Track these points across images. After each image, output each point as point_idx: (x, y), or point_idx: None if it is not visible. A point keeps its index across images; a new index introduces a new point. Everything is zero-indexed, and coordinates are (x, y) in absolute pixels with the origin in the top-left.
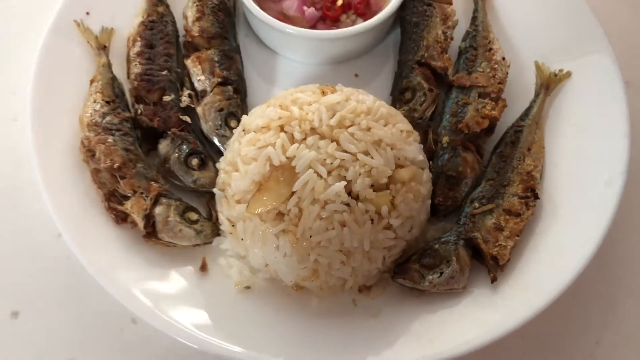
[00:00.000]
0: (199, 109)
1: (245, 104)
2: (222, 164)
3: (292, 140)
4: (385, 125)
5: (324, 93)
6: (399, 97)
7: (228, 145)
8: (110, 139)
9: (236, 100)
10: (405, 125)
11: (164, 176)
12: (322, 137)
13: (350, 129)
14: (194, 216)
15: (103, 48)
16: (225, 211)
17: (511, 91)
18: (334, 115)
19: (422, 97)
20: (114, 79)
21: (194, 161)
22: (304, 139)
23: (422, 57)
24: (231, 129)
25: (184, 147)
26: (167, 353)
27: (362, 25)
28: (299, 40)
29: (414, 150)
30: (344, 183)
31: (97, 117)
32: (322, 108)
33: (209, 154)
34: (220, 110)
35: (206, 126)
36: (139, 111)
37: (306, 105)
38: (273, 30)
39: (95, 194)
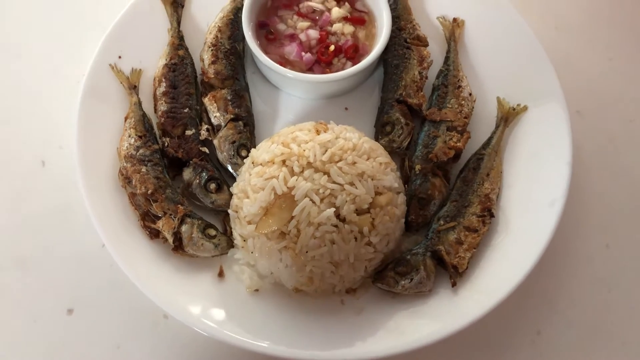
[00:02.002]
0: (215, 141)
1: (254, 136)
2: (235, 189)
3: (292, 173)
4: (367, 159)
5: (318, 132)
6: (380, 129)
7: (240, 172)
8: (143, 169)
9: (246, 134)
10: (384, 158)
11: (187, 198)
12: (316, 170)
13: (339, 164)
14: (212, 232)
15: (134, 87)
16: (238, 229)
17: (475, 122)
18: (326, 151)
19: (400, 130)
20: (144, 115)
21: (212, 186)
22: (302, 171)
23: (400, 95)
24: (242, 158)
25: (204, 174)
26: (192, 342)
27: (350, 70)
28: (298, 82)
29: (390, 179)
30: (333, 209)
31: (132, 150)
32: (316, 146)
33: (224, 179)
34: (233, 142)
35: (221, 156)
36: (166, 144)
37: (303, 143)
38: (276, 73)
39: (132, 213)
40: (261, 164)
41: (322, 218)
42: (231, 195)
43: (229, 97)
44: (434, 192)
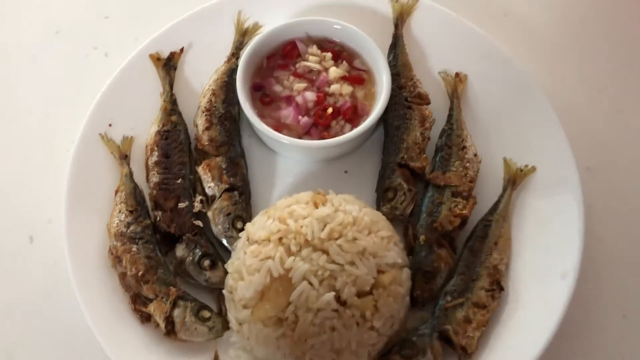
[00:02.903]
0: (209, 214)
1: (250, 205)
2: (230, 267)
3: (289, 252)
4: (368, 234)
5: (316, 205)
6: (382, 196)
7: (235, 247)
8: (134, 248)
9: (242, 204)
10: (387, 231)
11: (181, 276)
12: (315, 249)
13: (338, 241)
14: (206, 314)
15: (125, 157)
16: (233, 312)
17: (481, 183)
18: (324, 227)
19: (403, 196)
20: (135, 187)
21: (206, 262)
22: (299, 250)
23: (402, 158)
24: (238, 230)
25: (197, 250)
26: None
27: (349, 135)
28: (294, 148)
29: (393, 255)
30: (333, 293)
31: (122, 227)
32: (314, 222)
33: (219, 255)
34: (228, 214)
35: (216, 229)
36: (158, 218)
37: (301, 219)
38: (271, 139)
39: (122, 295)
40: (257, 242)
41: (322, 303)
42: (226, 272)
43: (223, 166)
44: (439, 264)
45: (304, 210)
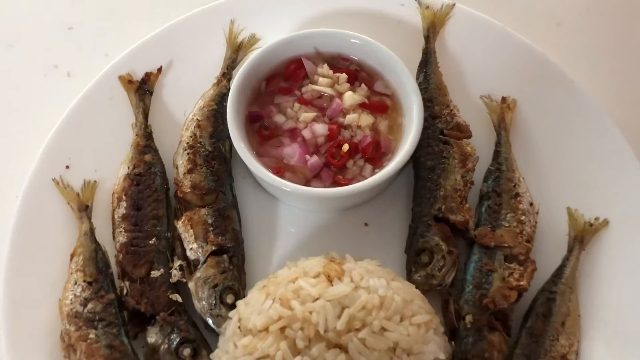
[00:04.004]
0: (191, 284)
1: (244, 272)
2: (216, 357)
3: (295, 349)
4: (400, 321)
5: (329, 278)
6: (414, 259)
7: (224, 330)
8: (92, 334)
9: (232, 272)
10: (424, 316)
11: None
12: (329, 344)
13: (361, 333)
14: None
15: (85, 209)
16: None
17: (538, 240)
18: (342, 312)
19: (441, 260)
20: (97, 250)
21: (186, 351)
22: (308, 346)
23: (439, 210)
24: (228, 306)
25: (174, 335)
26: None
27: (371, 181)
28: (300, 196)
29: (433, 348)
30: None
31: (78, 305)
32: (327, 306)
33: (203, 341)
34: (215, 286)
35: (199, 305)
36: (125, 291)
37: (309, 301)
38: (271, 185)
39: None
40: (252, 332)
41: None
42: None
43: (210, 221)
44: (492, 353)
45: (313, 288)
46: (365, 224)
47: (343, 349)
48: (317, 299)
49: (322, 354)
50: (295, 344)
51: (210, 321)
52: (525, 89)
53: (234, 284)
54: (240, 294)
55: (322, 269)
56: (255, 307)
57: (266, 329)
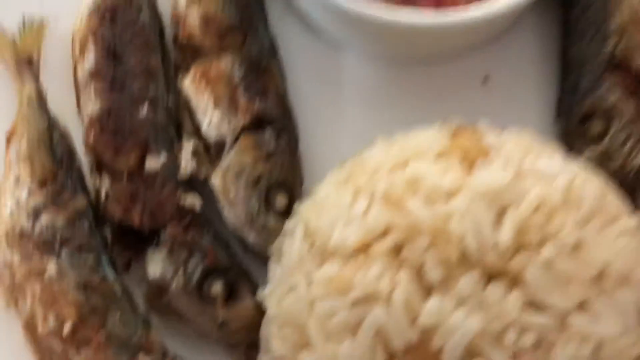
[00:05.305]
0: (215, 180)
1: (298, 157)
2: (273, 300)
3: (422, 284)
4: (600, 230)
5: (467, 160)
6: (577, 129)
7: (275, 252)
8: (51, 267)
9: (282, 158)
10: (628, 220)
11: (163, 316)
12: (487, 274)
13: (544, 253)
14: None
15: (28, 64)
16: None
17: None
18: (502, 217)
19: (623, 131)
20: (51, 128)
21: (215, 288)
22: (447, 278)
23: (613, 51)
24: (279, 213)
25: (193, 263)
26: None
27: (495, 6)
28: (382, 30)
29: None
30: None
31: (24, 220)
32: (477, 206)
33: (240, 271)
34: (256, 181)
35: (232, 213)
36: (104, 193)
37: (441, 201)
38: (335, 13)
39: None
40: (337, 254)
41: None
42: (257, 306)
43: (237, 76)
44: None
45: (443, 176)
46: (486, 78)
47: (513, 279)
48: (454, 195)
49: (477, 290)
50: (423, 275)
51: (251, 236)
52: None
53: (287, 177)
54: (296, 194)
55: (448, 145)
56: (335, 213)
57: (365, 249)
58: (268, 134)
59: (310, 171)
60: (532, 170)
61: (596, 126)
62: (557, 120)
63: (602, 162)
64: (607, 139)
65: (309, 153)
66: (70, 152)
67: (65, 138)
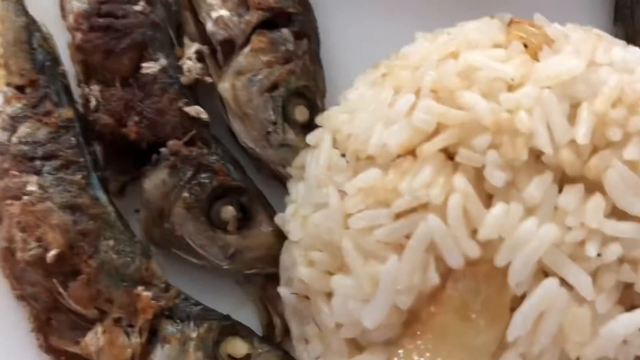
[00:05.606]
0: (223, 86)
1: (320, 61)
2: (293, 223)
3: (483, 189)
4: None
5: (532, 50)
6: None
7: (295, 172)
8: (32, 185)
9: (302, 62)
10: None
11: (164, 246)
12: (561, 177)
13: (627, 153)
14: (239, 348)
15: None
16: (316, 344)
17: None
18: (576, 110)
19: None
20: (29, 28)
21: (227, 210)
22: (514, 181)
23: None
24: (300, 127)
25: (201, 181)
26: None
27: None
28: None
29: None
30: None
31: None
32: (546, 99)
33: (255, 193)
34: (273, 88)
35: (244, 126)
36: (93, 101)
37: (503, 93)
38: None
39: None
40: (376, 160)
41: (610, 340)
42: (278, 236)
43: None
44: None
45: (505, 65)
46: None
47: (592, 183)
48: (518, 87)
49: (550, 196)
50: (483, 179)
51: (266, 155)
52: None
53: (308, 85)
54: (317, 103)
55: (504, 36)
56: (372, 115)
57: (412, 152)
58: (285, 33)
59: (334, 81)
60: (607, 59)
61: None
62: (616, 25)
63: None
64: None
65: (332, 59)
66: (54, 58)
67: (47, 41)
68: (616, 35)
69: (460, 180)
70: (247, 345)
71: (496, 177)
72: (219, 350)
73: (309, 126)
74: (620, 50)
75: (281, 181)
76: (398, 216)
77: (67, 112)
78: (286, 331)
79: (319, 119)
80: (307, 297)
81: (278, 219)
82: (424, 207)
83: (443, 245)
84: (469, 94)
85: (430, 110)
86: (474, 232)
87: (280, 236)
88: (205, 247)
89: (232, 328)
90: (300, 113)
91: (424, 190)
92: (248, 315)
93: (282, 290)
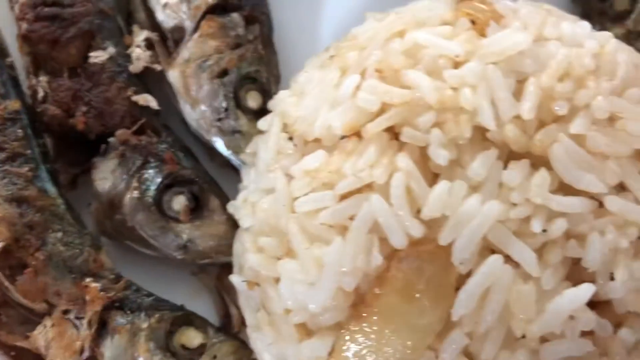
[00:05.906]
0: (172, 74)
1: (272, 45)
2: (244, 208)
3: (427, 168)
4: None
5: (479, 26)
6: (599, 6)
7: (247, 159)
8: None
9: (253, 46)
10: None
11: (113, 237)
12: (506, 153)
13: (573, 127)
14: (193, 338)
15: None
16: (267, 332)
17: None
18: (522, 86)
19: None
20: None
21: (177, 200)
22: (459, 159)
23: None
24: (252, 113)
25: (151, 171)
26: None
27: None
28: None
29: None
30: (591, 288)
31: None
32: (491, 75)
33: (207, 182)
34: (223, 73)
35: (194, 112)
36: (41, 93)
37: (448, 70)
38: None
39: None
40: (322, 142)
41: (552, 320)
42: (231, 224)
43: None
44: None
45: (449, 42)
46: None
47: (538, 159)
48: (464, 62)
49: (495, 173)
50: (427, 158)
51: (218, 142)
52: None
53: (260, 71)
54: (270, 88)
55: (453, 13)
56: (318, 97)
57: (357, 133)
58: (235, 17)
59: (289, 65)
60: (556, 34)
61: (621, 3)
62: (575, 3)
63: (629, 40)
64: (632, 17)
65: (287, 44)
66: (0, 50)
67: None
68: (574, 13)
69: (403, 160)
70: (201, 335)
71: (440, 156)
72: (172, 341)
73: (263, 112)
74: (570, 24)
75: (235, 169)
76: (343, 198)
77: (13, 104)
78: (244, 321)
79: (270, 104)
80: (257, 284)
81: (230, 206)
82: (369, 187)
83: (386, 225)
84: (413, 73)
85: (374, 90)
86: (419, 212)
87: (234, 225)
88: (157, 237)
89: (186, 318)
90: (253, 99)
91: (368, 170)
92: (205, 306)
93: (234, 279)
